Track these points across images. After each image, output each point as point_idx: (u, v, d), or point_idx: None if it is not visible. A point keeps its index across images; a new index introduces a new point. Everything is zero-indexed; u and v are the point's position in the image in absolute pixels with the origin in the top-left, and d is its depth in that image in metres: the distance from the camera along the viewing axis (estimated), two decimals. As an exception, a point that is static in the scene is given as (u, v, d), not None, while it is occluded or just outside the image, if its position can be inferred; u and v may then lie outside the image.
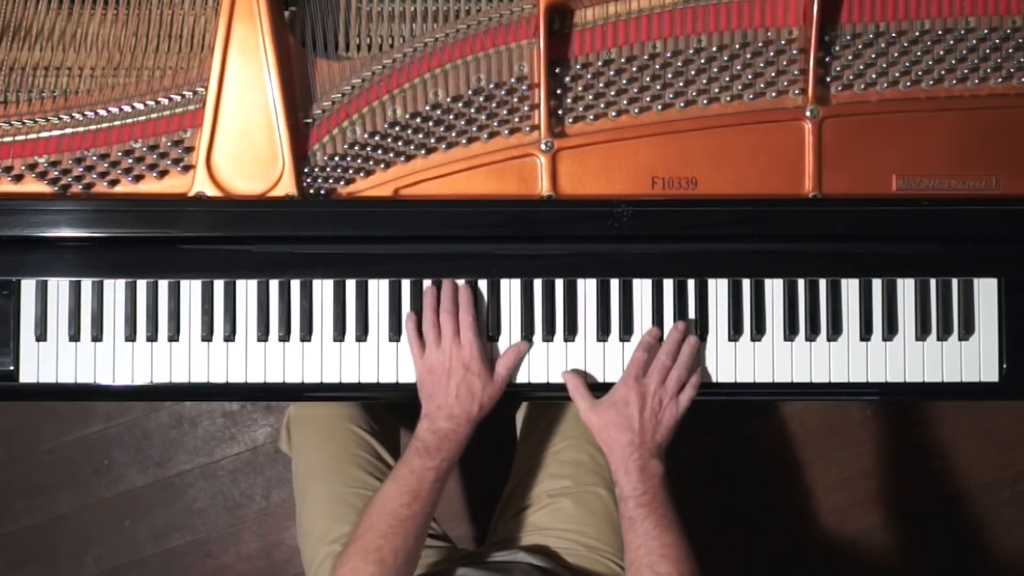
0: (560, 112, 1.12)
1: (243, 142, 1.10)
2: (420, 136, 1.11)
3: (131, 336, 1.13)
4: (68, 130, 1.10)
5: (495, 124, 1.11)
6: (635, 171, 1.12)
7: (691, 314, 1.14)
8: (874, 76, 1.12)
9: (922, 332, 1.14)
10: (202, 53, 1.13)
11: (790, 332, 1.14)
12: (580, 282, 1.14)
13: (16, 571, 1.94)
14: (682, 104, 1.12)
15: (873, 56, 1.12)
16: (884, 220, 1.10)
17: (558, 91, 1.11)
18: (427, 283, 1.13)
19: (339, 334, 1.13)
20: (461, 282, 1.12)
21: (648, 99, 1.11)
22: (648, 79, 1.12)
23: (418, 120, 1.11)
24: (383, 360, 1.14)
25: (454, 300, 1.10)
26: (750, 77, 1.12)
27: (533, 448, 1.34)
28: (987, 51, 1.12)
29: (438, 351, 1.09)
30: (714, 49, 1.11)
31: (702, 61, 1.11)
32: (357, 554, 1.02)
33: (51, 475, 1.94)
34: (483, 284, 1.14)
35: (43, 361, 1.13)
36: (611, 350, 1.14)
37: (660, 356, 1.09)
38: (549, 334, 1.14)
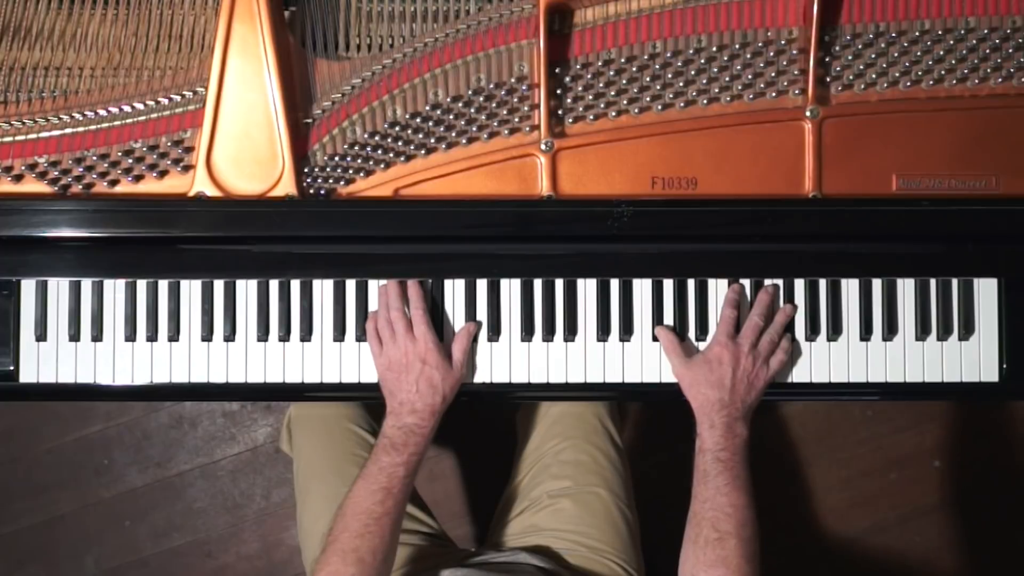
0: (560, 112, 1.12)
1: (243, 142, 1.10)
2: (420, 136, 1.11)
3: (131, 336, 1.13)
4: (68, 130, 1.10)
5: (495, 124, 1.11)
6: (635, 171, 1.12)
7: (691, 314, 1.14)
8: (874, 76, 1.12)
9: (922, 332, 1.14)
10: (202, 53, 1.13)
11: (790, 332, 1.14)
12: (580, 282, 1.14)
13: (16, 571, 1.94)
14: (682, 104, 1.12)
15: (873, 56, 1.12)
16: (884, 220, 1.10)
17: (558, 91, 1.11)
18: (379, 283, 1.13)
19: (339, 334, 1.13)
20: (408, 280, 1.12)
21: (648, 99, 1.11)
22: (648, 79, 1.12)
23: (418, 120, 1.11)
24: (383, 360, 1.13)
25: (401, 296, 1.11)
26: (750, 77, 1.12)
27: (534, 448, 1.34)
28: (987, 51, 1.12)
29: (393, 347, 1.09)
30: (714, 49, 1.11)
31: (702, 61, 1.11)
32: (335, 556, 1.03)
33: (51, 475, 1.94)
34: (483, 284, 1.14)
35: (43, 361, 1.13)
36: (611, 350, 1.14)
37: (753, 317, 1.10)
38: (549, 334, 1.14)
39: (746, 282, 1.14)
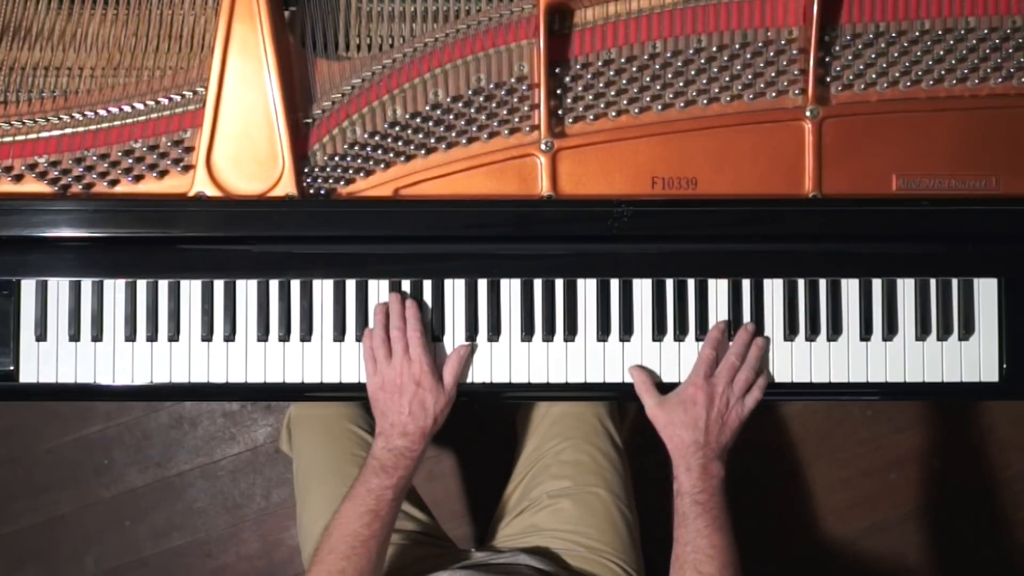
0: (560, 112, 1.12)
1: (243, 142, 1.10)
2: (420, 136, 1.11)
3: (131, 336, 1.13)
4: (68, 130, 1.10)
5: (495, 124, 1.11)
6: (635, 171, 1.12)
7: (691, 314, 1.14)
8: (874, 76, 1.12)
9: (922, 332, 1.14)
10: (202, 53, 1.13)
11: (790, 332, 1.14)
12: (580, 282, 1.14)
13: (16, 571, 1.94)
14: (682, 104, 1.12)
15: (873, 56, 1.12)
16: (884, 220, 1.10)
17: (558, 91, 1.11)
18: (378, 283, 1.13)
19: (339, 334, 1.13)
20: (404, 294, 1.12)
21: (648, 99, 1.11)
22: (648, 79, 1.12)
23: (418, 120, 1.11)
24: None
25: (402, 316, 1.10)
26: (750, 77, 1.12)
27: (533, 449, 1.34)
28: (987, 51, 1.12)
29: (389, 368, 1.09)
30: (714, 49, 1.11)
31: (702, 61, 1.11)
32: None
33: (51, 475, 1.94)
34: (483, 284, 1.14)
35: (43, 361, 1.13)
36: (611, 350, 1.14)
37: (729, 356, 1.10)
38: (549, 334, 1.14)
39: (746, 282, 1.14)
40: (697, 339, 1.14)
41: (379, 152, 1.11)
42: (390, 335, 1.10)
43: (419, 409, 1.08)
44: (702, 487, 1.05)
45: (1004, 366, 1.14)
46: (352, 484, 1.09)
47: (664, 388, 1.12)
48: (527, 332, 1.13)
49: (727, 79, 1.12)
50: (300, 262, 1.12)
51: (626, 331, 1.13)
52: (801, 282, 1.14)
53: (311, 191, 1.11)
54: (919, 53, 1.12)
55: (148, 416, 1.95)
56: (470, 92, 1.11)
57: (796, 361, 1.14)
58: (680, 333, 1.14)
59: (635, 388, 1.12)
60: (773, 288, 1.14)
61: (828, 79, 1.12)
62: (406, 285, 1.13)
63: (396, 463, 1.07)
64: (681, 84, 1.12)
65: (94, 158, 1.10)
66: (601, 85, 1.11)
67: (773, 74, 1.12)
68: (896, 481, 1.97)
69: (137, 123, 1.11)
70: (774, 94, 1.12)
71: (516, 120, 1.12)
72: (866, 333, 1.14)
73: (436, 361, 1.11)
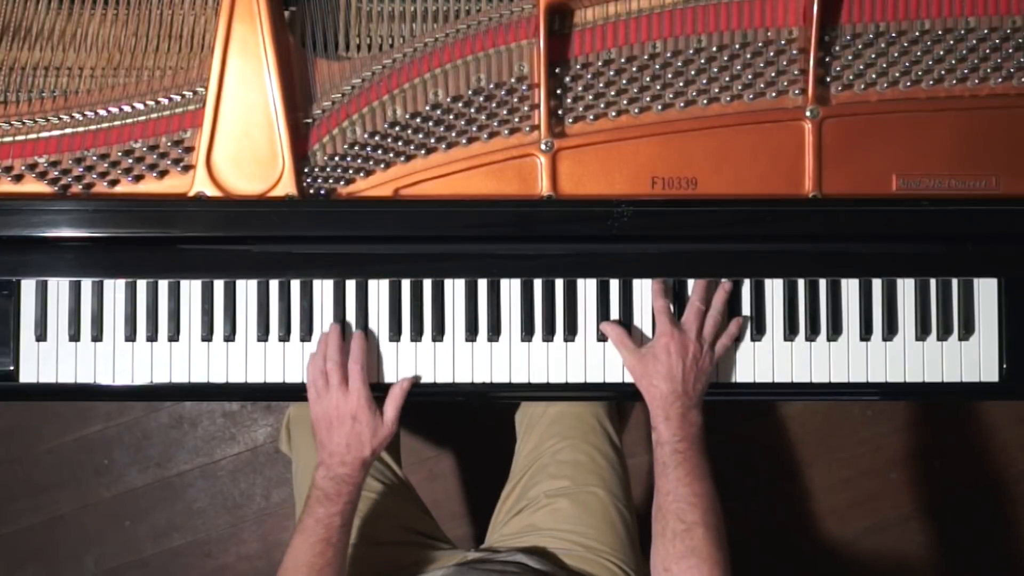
0: (560, 112, 1.12)
1: (243, 142, 1.10)
2: (420, 136, 1.11)
3: (131, 336, 1.13)
4: (68, 130, 1.10)
5: (495, 124, 1.11)
6: (635, 171, 1.12)
7: (691, 314, 1.14)
8: (874, 76, 1.12)
9: (922, 332, 1.14)
10: (202, 53, 1.13)
11: (790, 332, 1.14)
12: (580, 282, 1.14)
13: (16, 571, 1.94)
14: (682, 104, 1.12)
15: (873, 56, 1.12)
16: (884, 220, 1.10)
17: (558, 91, 1.11)
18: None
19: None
20: (347, 324, 1.12)
21: (648, 99, 1.11)
22: (648, 79, 1.12)
23: (418, 120, 1.11)
24: (383, 360, 1.13)
25: (340, 349, 1.10)
26: (750, 77, 1.12)
27: (532, 448, 1.34)
28: (987, 51, 1.12)
29: (327, 399, 1.09)
30: (714, 49, 1.11)
31: (702, 61, 1.11)
32: None
33: (51, 475, 1.94)
34: (483, 284, 1.14)
35: (43, 361, 1.13)
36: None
37: (694, 302, 1.10)
38: (549, 334, 1.14)
39: (746, 282, 1.14)
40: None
41: (379, 152, 1.11)
42: (327, 367, 1.09)
43: (356, 442, 1.08)
44: (681, 435, 1.05)
45: (1004, 366, 1.14)
46: (299, 518, 1.10)
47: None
48: (527, 332, 1.13)
49: (727, 79, 1.12)
50: (300, 262, 1.12)
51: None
52: (801, 282, 1.14)
53: (311, 191, 1.11)
54: (919, 53, 1.12)
55: (148, 416, 1.95)
56: (470, 92, 1.11)
57: (796, 361, 1.14)
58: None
59: (612, 342, 1.12)
60: (773, 288, 1.14)
61: (828, 79, 1.12)
62: (406, 285, 1.14)
63: (339, 490, 1.08)
64: (681, 84, 1.12)
65: (94, 158, 1.10)
66: (601, 85, 1.11)
67: (773, 74, 1.12)
68: (896, 481, 1.97)
69: (137, 123, 1.11)
70: (774, 94, 1.12)
71: (516, 120, 1.12)
72: (866, 333, 1.14)
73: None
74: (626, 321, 1.13)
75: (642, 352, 1.10)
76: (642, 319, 1.14)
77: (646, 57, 1.11)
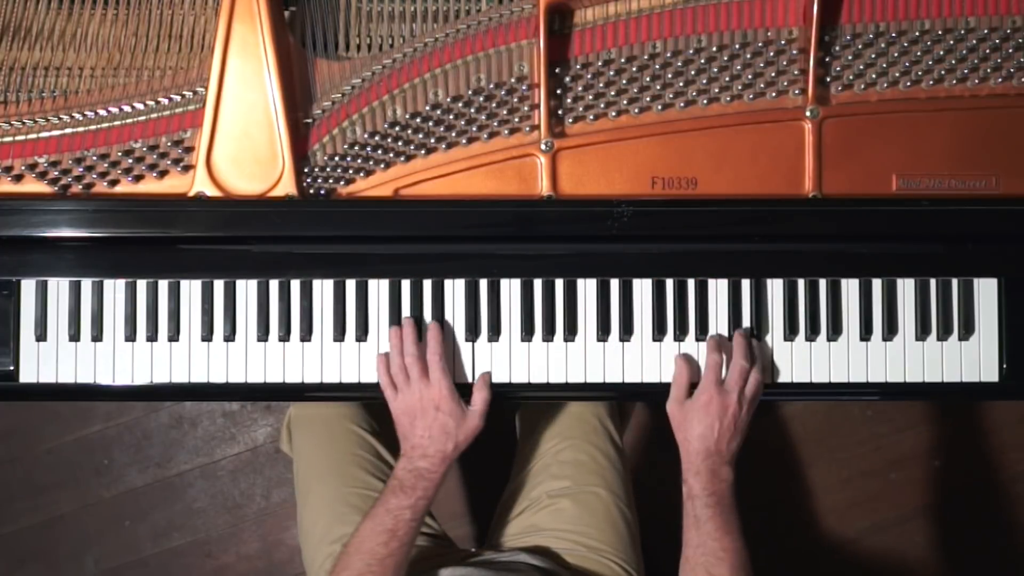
0: (560, 112, 1.12)
1: (243, 142, 1.10)
2: (420, 136, 1.11)
3: (131, 336, 1.13)
4: (68, 130, 1.10)
5: (495, 124, 1.11)
6: (635, 171, 1.12)
7: (691, 314, 1.14)
8: (874, 76, 1.12)
9: (922, 332, 1.14)
10: (202, 53, 1.13)
11: (790, 332, 1.14)
12: (580, 282, 1.14)
13: (16, 571, 1.94)
14: (682, 104, 1.12)
15: (873, 56, 1.12)
16: (884, 220, 1.10)
17: (558, 91, 1.11)
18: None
19: (339, 334, 1.13)
20: (419, 319, 1.12)
21: (648, 99, 1.11)
22: (648, 79, 1.12)
23: (418, 120, 1.11)
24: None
25: (415, 342, 1.10)
26: (750, 77, 1.12)
27: (533, 448, 1.34)
28: (987, 51, 1.12)
29: (408, 393, 1.08)
30: (714, 49, 1.11)
31: (702, 61, 1.11)
32: None
33: (51, 475, 1.94)
34: (483, 284, 1.14)
35: (43, 361, 1.13)
36: (611, 350, 1.14)
37: (738, 360, 1.09)
38: (549, 334, 1.14)
39: (746, 282, 1.14)
40: (697, 339, 1.14)
41: (379, 152, 1.11)
42: (405, 361, 1.09)
43: (440, 433, 1.07)
44: (712, 490, 1.05)
45: (1004, 366, 1.14)
46: (372, 505, 1.09)
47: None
48: (527, 332, 1.13)
49: (727, 79, 1.12)
50: (300, 262, 1.12)
51: (626, 331, 1.13)
52: (801, 282, 1.14)
53: (311, 191, 1.11)
54: (919, 53, 1.12)
55: (148, 416, 1.95)
56: (470, 92, 1.11)
57: (796, 361, 1.14)
58: (680, 333, 1.14)
59: (673, 377, 1.11)
60: (773, 288, 1.14)
61: (828, 79, 1.12)
62: (406, 285, 1.13)
63: (415, 484, 1.07)
64: (681, 84, 1.12)
65: (94, 158, 1.10)
66: (601, 85, 1.11)
67: (773, 74, 1.12)
68: (896, 481, 1.97)
69: (137, 123, 1.11)
70: (774, 94, 1.12)
71: (516, 120, 1.12)
72: (866, 333, 1.14)
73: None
74: (626, 321, 1.13)
75: (685, 405, 1.09)
76: (642, 320, 1.14)
77: (646, 57, 1.11)
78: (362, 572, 1.04)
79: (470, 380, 1.13)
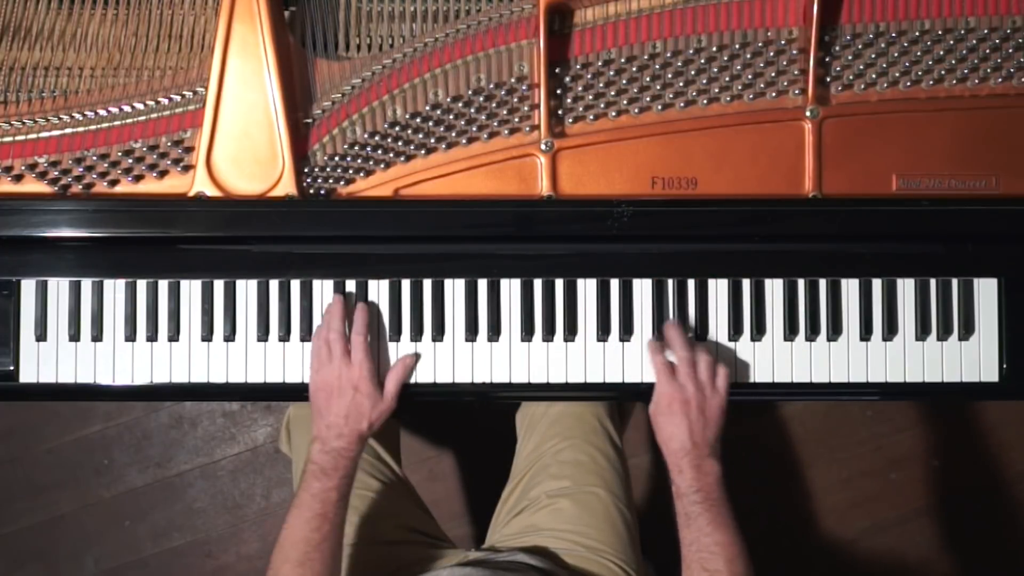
0: (560, 112, 1.12)
1: (243, 142, 1.10)
2: (420, 136, 1.11)
3: (131, 336, 1.13)
4: (68, 130, 1.10)
5: (495, 124, 1.11)
6: (635, 171, 1.12)
7: (691, 314, 1.14)
8: (874, 76, 1.12)
9: (922, 332, 1.14)
10: (202, 53, 1.13)
11: (790, 332, 1.14)
12: (580, 282, 1.14)
13: (16, 571, 1.94)
14: (682, 104, 1.12)
15: (873, 56, 1.12)
16: (884, 220, 1.10)
17: (558, 91, 1.11)
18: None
19: (339, 334, 1.13)
20: (350, 295, 1.12)
21: (648, 99, 1.11)
22: (648, 79, 1.12)
23: (418, 120, 1.11)
24: (382, 360, 1.13)
25: (343, 318, 1.10)
26: (750, 77, 1.12)
27: (533, 448, 1.34)
28: (987, 51, 1.12)
29: (329, 369, 1.08)
30: (714, 49, 1.11)
31: (702, 61, 1.11)
32: None
33: (51, 475, 1.94)
34: (483, 284, 1.14)
35: (43, 361, 1.13)
36: (611, 350, 1.14)
37: (678, 352, 1.09)
38: (549, 334, 1.14)
39: (746, 282, 1.14)
40: (697, 339, 1.13)
41: (379, 152, 1.11)
42: (329, 337, 1.09)
43: (355, 413, 1.07)
44: (698, 486, 1.05)
45: (1004, 366, 1.14)
46: (294, 495, 1.09)
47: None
48: (527, 332, 1.13)
49: (727, 79, 1.12)
50: (300, 262, 1.12)
51: (626, 331, 1.13)
52: (801, 282, 1.14)
53: (311, 191, 1.11)
54: (919, 53, 1.12)
55: (148, 416, 1.95)
56: (470, 92, 1.11)
57: (796, 361, 1.14)
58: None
59: (655, 367, 1.10)
60: (773, 288, 1.14)
61: (828, 79, 1.12)
62: (406, 285, 1.13)
63: (335, 464, 1.07)
64: (681, 84, 1.12)
65: (94, 158, 1.10)
66: (601, 85, 1.11)
67: (773, 74, 1.12)
68: (896, 481, 1.97)
69: (137, 123, 1.11)
70: (774, 94, 1.12)
71: (516, 120, 1.12)
72: (866, 333, 1.14)
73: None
74: (626, 321, 1.13)
75: (651, 411, 1.09)
76: (641, 320, 1.14)
77: (646, 57, 1.11)
78: (300, 561, 1.04)
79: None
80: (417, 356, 1.13)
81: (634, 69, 1.11)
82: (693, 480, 1.05)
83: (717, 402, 1.08)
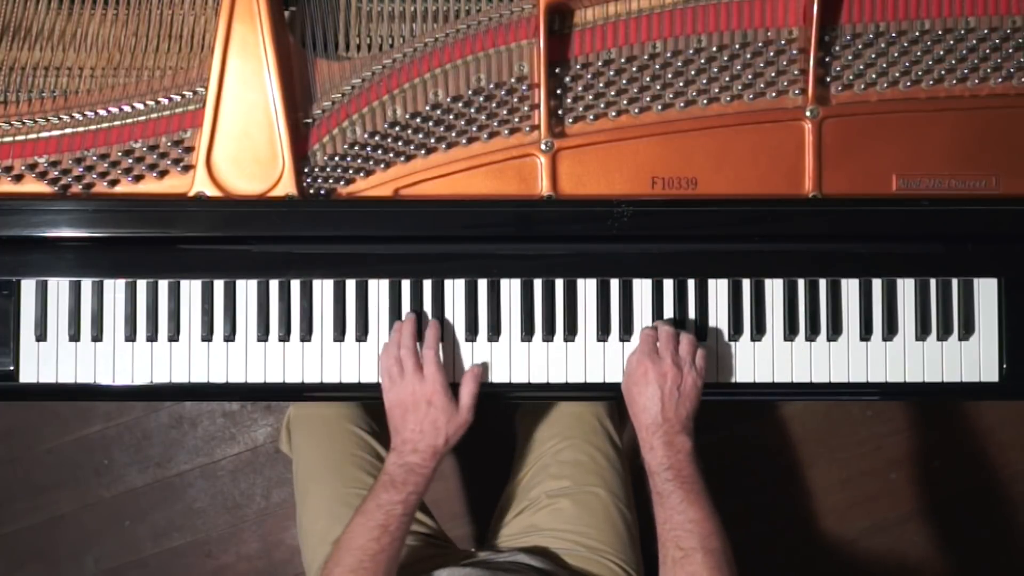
0: (560, 112, 1.12)
1: (243, 142, 1.10)
2: (420, 136, 1.11)
3: (131, 336, 1.13)
4: (68, 130, 1.10)
5: (495, 124, 1.11)
6: (635, 171, 1.12)
7: (691, 314, 1.14)
8: (874, 76, 1.12)
9: (922, 332, 1.14)
10: (202, 53, 1.13)
11: (790, 332, 1.14)
12: (580, 282, 1.14)
13: (16, 571, 1.94)
14: (682, 104, 1.12)
15: (873, 56, 1.12)
16: (884, 220, 1.10)
17: (558, 91, 1.11)
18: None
19: (339, 334, 1.13)
20: (423, 314, 1.12)
21: (648, 99, 1.11)
22: (648, 79, 1.12)
23: (418, 120, 1.11)
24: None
25: (413, 335, 1.10)
26: (750, 77, 1.12)
27: (533, 448, 1.34)
28: (987, 51, 1.12)
29: (402, 385, 1.08)
30: (714, 49, 1.11)
31: (702, 61, 1.11)
32: None
33: (51, 475, 1.94)
34: (483, 284, 1.14)
35: (43, 361, 1.13)
36: (611, 350, 1.14)
37: (664, 328, 1.09)
38: (549, 334, 1.14)
39: (746, 282, 1.14)
40: (697, 339, 1.13)
41: (379, 152, 1.11)
42: (400, 354, 1.09)
43: (431, 428, 1.07)
44: (669, 464, 1.04)
45: (1004, 366, 1.14)
46: (363, 499, 1.09)
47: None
48: (527, 332, 1.13)
49: (727, 79, 1.12)
50: (300, 262, 1.12)
51: (626, 331, 1.13)
52: (801, 282, 1.14)
53: (311, 191, 1.11)
54: (919, 53, 1.12)
55: (148, 416, 1.95)
56: (470, 92, 1.11)
57: (796, 361, 1.14)
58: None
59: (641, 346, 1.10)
60: (773, 288, 1.14)
61: (828, 79, 1.12)
62: (406, 285, 1.14)
63: (406, 479, 1.07)
64: (681, 84, 1.12)
65: (94, 158, 1.10)
66: (601, 85, 1.11)
67: (773, 74, 1.12)
68: (896, 481, 1.97)
69: (137, 123, 1.11)
70: (774, 94, 1.12)
71: (516, 120, 1.12)
72: (866, 333, 1.14)
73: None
74: (626, 321, 1.13)
75: (625, 380, 1.09)
76: (641, 321, 1.14)
77: (646, 57, 1.11)
78: (354, 568, 1.03)
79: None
80: (484, 365, 1.13)
81: (634, 69, 1.11)
82: (664, 457, 1.04)
83: (693, 380, 1.07)
